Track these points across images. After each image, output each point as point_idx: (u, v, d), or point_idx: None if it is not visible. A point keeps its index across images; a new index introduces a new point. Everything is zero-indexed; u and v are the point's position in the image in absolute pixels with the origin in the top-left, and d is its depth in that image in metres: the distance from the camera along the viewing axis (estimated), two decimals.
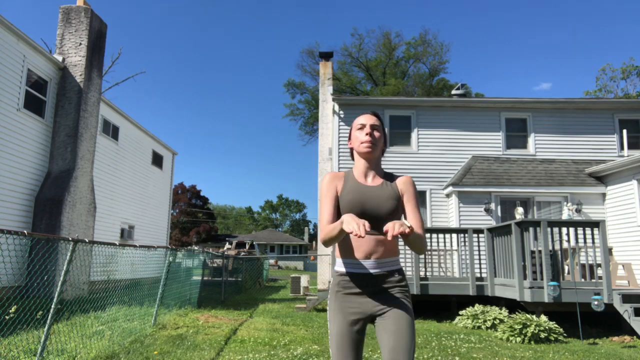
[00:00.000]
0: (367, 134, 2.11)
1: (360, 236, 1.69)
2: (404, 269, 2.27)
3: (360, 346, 2.03)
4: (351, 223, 1.76)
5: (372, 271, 2.03)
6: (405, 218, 2.11)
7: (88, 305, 7.29)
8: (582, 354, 5.91)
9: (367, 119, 2.16)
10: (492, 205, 11.65)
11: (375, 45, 35.71)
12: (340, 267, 2.10)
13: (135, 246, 6.96)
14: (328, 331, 2.08)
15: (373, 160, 2.16)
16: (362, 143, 2.12)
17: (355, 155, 2.21)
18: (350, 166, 12.93)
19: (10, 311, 4.78)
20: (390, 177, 2.18)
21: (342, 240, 2.07)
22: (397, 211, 2.08)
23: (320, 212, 2.16)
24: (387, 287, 2.03)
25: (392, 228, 1.74)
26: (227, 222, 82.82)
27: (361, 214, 2.02)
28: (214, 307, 10.43)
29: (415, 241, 1.97)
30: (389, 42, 34.82)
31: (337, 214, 2.09)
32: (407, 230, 1.74)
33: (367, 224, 1.73)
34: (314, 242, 51.49)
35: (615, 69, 29.42)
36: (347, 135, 13.43)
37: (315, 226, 63.12)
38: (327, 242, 2.02)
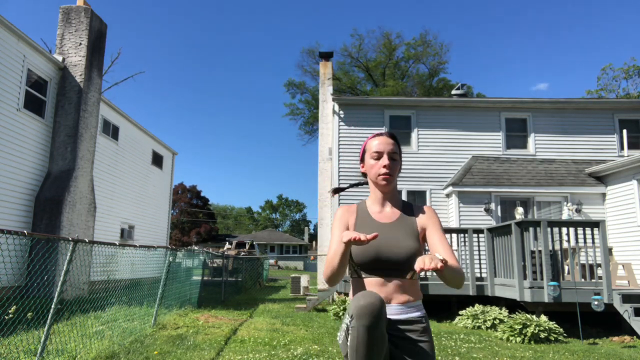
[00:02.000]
0: (384, 166, 1.90)
1: (360, 240, 1.55)
2: None
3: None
4: (350, 233, 1.60)
5: (394, 317, 1.81)
6: (434, 250, 1.89)
7: (88, 305, 7.29)
8: (582, 354, 5.91)
9: (384, 146, 1.93)
10: (492, 205, 11.65)
11: (375, 46, 35.74)
12: None
13: (135, 246, 6.96)
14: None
15: (390, 192, 1.97)
16: (379, 175, 1.92)
17: (370, 183, 2.01)
18: (349, 166, 12.94)
19: (10, 311, 4.78)
20: (409, 208, 1.98)
21: (358, 284, 1.88)
22: (417, 252, 1.85)
23: (329, 248, 1.93)
24: (413, 336, 1.82)
25: (422, 262, 1.54)
26: (227, 222, 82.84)
27: (375, 259, 1.82)
28: (214, 307, 10.43)
29: (452, 276, 1.73)
30: (389, 42, 34.82)
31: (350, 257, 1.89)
32: (440, 265, 1.53)
33: (368, 236, 1.59)
34: (314, 242, 51.48)
35: (617, 69, 29.42)
36: (348, 134, 13.40)
37: (316, 226, 63.11)
38: (330, 277, 1.80)
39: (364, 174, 2.05)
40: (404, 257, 1.82)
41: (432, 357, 1.83)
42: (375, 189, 1.99)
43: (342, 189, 2.44)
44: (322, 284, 13.92)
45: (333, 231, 1.96)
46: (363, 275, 1.87)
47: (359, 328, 1.59)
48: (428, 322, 1.89)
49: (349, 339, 1.65)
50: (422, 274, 9.49)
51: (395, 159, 1.94)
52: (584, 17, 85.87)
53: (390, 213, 1.95)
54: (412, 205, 2.01)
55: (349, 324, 1.66)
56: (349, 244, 1.64)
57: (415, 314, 1.85)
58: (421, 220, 1.93)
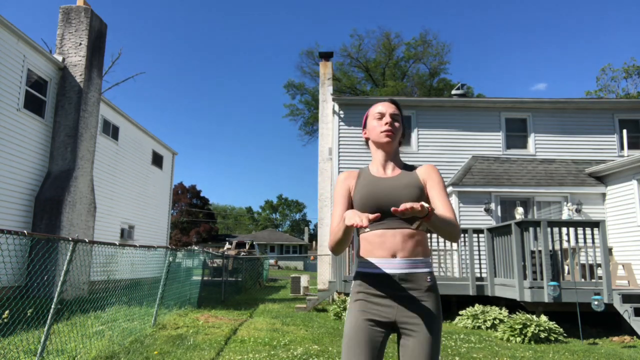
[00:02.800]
0: (386, 123, 1.93)
1: (361, 226, 1.52)
2: None
3: (378, 353, 1.75)
4: (352, 217, 1.59)
5: (398, 271, 1.77)
6: (432, 205, 1.88)
7: (88, 305, 7.29)
8: (582, 354, 5.91)
9: (386, 107, 1.97)
10: (492, 205, 11.65)
11: (375, 46, 35.74)
12: (360, 268, 1.87)
13: (135, 246, 6.96)
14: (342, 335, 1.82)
15: (392, 152, 1.97)
16: (381, 132, 1.93)
17: (372, 146, 2.02)
18: (350, 166, 12.93)
19: (3, 316, 4.76)
20: (410, 168, 1.98)
21: (364, 239, 1.86)
22: (419, 199, 1.82)
23: (332, 215, 1.95)
24: (416, 294, 1.77)
25: (404, 205, 1.52)
26: (227, 222, 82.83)
27: (376, 209, 1.79)
28: (214, 307, 10.43)
29: (442, 225, 1.70)
30: (388, 42, 34.82)
31: None
32: (420, 208, 1.50)
33: (370, 215, 1.56)
34: (314, 242, 51.49)
35: (616, 69, 29.43)
36: (348, 134, 13.42)
37: (316, 226, 63.14)
38: (335, 247, 1.81)
39: (367, 140, 2.05)
40: (404, 202, 1.76)
41: (437, 318, 1.78)
42: (376, 152, 1.99)
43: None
44: (322, 284, 13.92)
45: (335, 198, 1.96)
46: (367, 230, 1.85)
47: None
48: (434, 281, 1.83)
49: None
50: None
51: (397, 120, 1.96)
52: (583, 17, 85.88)
53: (391, 171, 1.95)
54: (414, 165, 2.01)
55: None
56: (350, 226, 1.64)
57: (420, 270, 1.80)
58: (423, 174, 1.91)
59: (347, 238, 1.76)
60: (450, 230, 1.73)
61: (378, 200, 1.82)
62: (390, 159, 1.97)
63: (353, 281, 1.90)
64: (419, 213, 1.54)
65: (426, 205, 1.56)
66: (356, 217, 1.58)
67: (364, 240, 1.86)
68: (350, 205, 1.92)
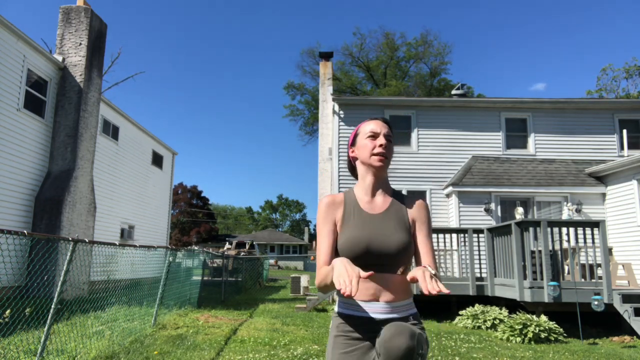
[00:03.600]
0: (380, 145, 1.78)
1: (349, 296, 1.39)
2: None
3: None
4: (341, 274, 1.46)
5: (380, 316, 1.67)
6: (415, 247, 1.80)
7: (88, 305, 7.29)
8: (582, 354, 5.91)
9: (379, 127, 1.82)
10: (492, 205, 11.65)
11: (376, 46, 35.75)
12: (341, 308, 1.75)
13: (135, 246, 6.96)
14: None
15: (382, 177, 1.84)
16: (373, 155, 1.79)
17: (360, 168, 1.87)
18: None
19: (4, 315, 4.77)
20: (400, 198, 1.84)
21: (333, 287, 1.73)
22: (408, 246, 1.73)
23: (317, 250, 1.80)
24: None
25: (423, 280, 1.46)
26: (227, 222, 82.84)
27: (365, 253, 1.69)
28: (214, 307, 10.43)
29: None
30: (390, 42, 34.84)
31: (337, 250, 1.77)
32: (446, 291, 1.43)
33: (361, 272, 1.46)
34: (313, 242, 51.51)
35: (617, 69, 29.42)
36: (348, 134, 13.44)
37: (316, 226, 63.28)
38: (323, 290, 1.71)
39: (353, 160, 1.91)
40: (394, 250, 1.70)
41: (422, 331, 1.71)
42: (365, 175, 1.84)
43: None
44: None
45: (319, 228, 1.81)
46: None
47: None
48: (419, 319, 1.75)
49: None
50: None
51: (390, 141, 1.83)
52: (581, 17, 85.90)
53: (380, 202, 1.81)
54: (404, 195, 1.87)
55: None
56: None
57: (404, 314, 1.71)
58: (412, 212, 1.80)
59: (334, 287, 1.62)
60: None
61: (368, 246, 1.70)
62: (379, 185, 1.83)
63: (333, 318, 1.80)
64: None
65: (432, 272, 1.51)
66: (345, 277, 1.44)
67: None
68: (336, 237, 1.78)
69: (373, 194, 1.82)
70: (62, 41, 12.16)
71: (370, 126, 1.84)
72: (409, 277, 1.47)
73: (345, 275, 1.45)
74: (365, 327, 1.69)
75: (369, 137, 1.82)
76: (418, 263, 1.79)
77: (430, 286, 1.44)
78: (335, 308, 1.81)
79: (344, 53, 35.26)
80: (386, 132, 1.82)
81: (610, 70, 29.70)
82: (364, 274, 1.46)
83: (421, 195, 12.58)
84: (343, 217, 1.79)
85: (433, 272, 1.53)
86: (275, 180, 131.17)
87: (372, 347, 1.66)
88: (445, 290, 1.44)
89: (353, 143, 1.92)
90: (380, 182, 1.84)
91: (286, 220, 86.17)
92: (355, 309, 1.71)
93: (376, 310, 1.69)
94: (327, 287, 1.67)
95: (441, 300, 9.58)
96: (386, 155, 1.79)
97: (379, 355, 1.52)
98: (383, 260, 1.69)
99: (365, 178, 1.84)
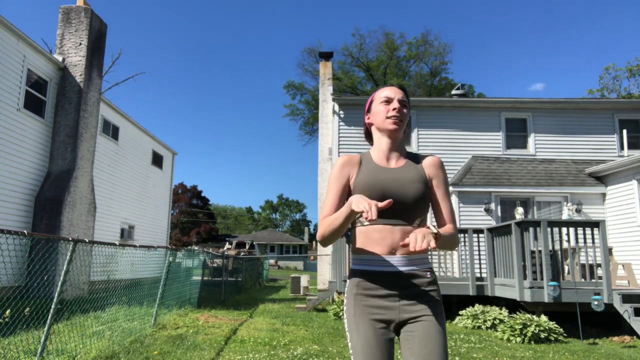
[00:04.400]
0: (394, 109, 1.79)
1: (370, 219, 1.43)
2: None
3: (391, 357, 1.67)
4: (360, 202, 1.48)
5: (399, 269, 1.68)
6: (433, 206, 1.81)
7: (88, 305, 7.29)
8: (582, 354, 5.91)
9: (394, 92, 1.82)
10: (492, 205, 11.65)
11: (376, 45, 35.72)
12: (358, 265, 1.74)
13: (135, 246, 6.96)
14: (348, 344, 1.72)
15: (397, 140, 1.83)
16: (387, 118, 1.79)
17: (375, 133, 1.87)
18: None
19: (5, 315, 4.77)
20: (415, 158, 1.85)
21: (361, 233, 1.74)
22: (425, 197, 1.73)
23: (323, 204, 1.79)
24: (417, 290, 1.69)
25: (414, 240, 1.47)
26: (227, 222, 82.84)
27: (381, 200, 1.66)
28: (214, 307, 10.43)
29: (445, 243, 1.66)
30: (390, 42, 34.83)
31: None
32: (433, 244, 1.47)
33: (378, 203, 1.47)
34: (314, 242, 51.51)
35: (619, 69, 29.40)
36: (348, 134, 13.39)
37: (316, 226, 63.14)
38: (328, 237, 1.70)
39: (369, 126, 1.91)
40: (411, 199, 1.69)
41: (440, 305, 1.71)
42: (380, 139, 1.84)
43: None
44: (322, 284, 13.92)
45: (331, 184, 1.80)
46: (366, 223, 1.73)
47: None
48: (435, 276, 1.76)
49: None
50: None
51: (405, 106, 1.83)
52: (580, 17, 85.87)
53: (395, 162, 1.81)
54: (420, 155, 1.87)
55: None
56: (354, 212, 1.55)
57: (420, 266, 1.71)
58: (429, 169, 1.80)
59: (344, 228, 1.65)
60: (451, 244, 1.70)
61: (383, 192, 1.69)
62: (394, 148, 1.83)
63: (349, 280, 1.78)
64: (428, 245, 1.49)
65: (436, 233, 1.52)
66: (365, 203, 1.47)
67: (361, 234, 1.74)
68: (347, 195, 1.78)
69: (388, 157, 1.82)
70: (62, 41, 12.16)
71: (385, 92, 1.84)
72: (401, 243, 1.48)
73: (364, 202, 1.47)
74: (384, 281, 1.68)
75: (384, 102, 1.82)
76: (438, 222, 1.81)
77: (417, 245, 1.46)
78: (352, 265, 1.79)
79: (343, 53, 35.27)
80: (400, 97, 1.82)
81: (613, 70, 29.68)
82: (381, 204, 1.47)
83: None
84: (358, 172, 1.79)
85: (435, 230, 1.53)
86: (275, 180, 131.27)
87: (391, 309, 1.67)
88: (432, 244, 1.47)
89: (369, 110, 1.91)
90: (395, 146, 1.84)
91: (286, 220, 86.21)
92: (372, 263, 1.70)
93: (394, 263, 1.68)
94: (334, 232, 1.66)
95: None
96: (400, 119, 1.79)
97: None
98: (400, 210, 1.68)
99: (381, 142, 1.84)
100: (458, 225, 11.41)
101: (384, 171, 1.77)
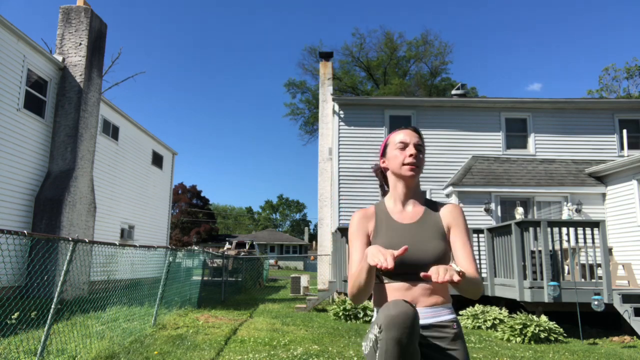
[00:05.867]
0: (411, 155, 1.77)
1: (387, 268, 1.41)
2: None
3: None
4: (376, 255, 1.46)
5: (421, 322, 1.62)
6: (454, 254, 1.77)
7: (88, 305, 7.28)
8: (582, 354, 5.91)
9: (410, 137, 1.81)
10: (492, 205, 11.65)
11: (377, 45, 35.74)
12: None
13: (135, 246, 6.96)
14: None
15: (414, 186, 1.83)
16: (404, 165, 1.78)
17: (391, 178, 1.86)
18: (350, 166, 12.93)
19: (13, 317, 4.78)
20: (433, 206, 1.83)
21: (378, 291, 1.73)
22: (444, 254, 1.71)
23: (349, 262, 1.78)
24: (442, 344, 1.64)
25: (436, 273, 1.42)
26: (227, 222, 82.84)
27: (400, 263, 1.65)
28: (214, 307, 10.43)
29: (469, 287, 1.61)
30: (390, 42, 34.84)
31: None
32: (456, 278, 1.42)
33: (394, 252, 1.46)
34: (314, 242, 51.49)
35: (618, 69, 29.43)
36: (348, 134, 13.38)
37: (316, 226, 63.11)
38: (356, 294, 1.65)
39: (385, 170, 1.91)
40: (430, 260, 1.67)
41: None
42: (396, 185, 1.84)
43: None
44: (322, 284, 13.92)
45: (352, 242, 1.80)
46: (386, 281, 1.73)
47: (388, 341, 1.44)
48: (460, 328, 1.71)
49: (377, 353, 1.50)
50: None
51: (421, 151, 1.82)
52: (579, 17, 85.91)
53: (412, 212, 1.80)
54: (437, 202, 1.86)
55: (377, 335, 1.50)
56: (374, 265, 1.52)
57: (445, 318, 1.68)
58: (446, 219, 1.78)
59: (369, 281, 1.61)
60: (474, 290, 1.65)
61: (403, 255, 1.61)
62: (411, 195, 1.82)
63: (372, 325, 1.76)
64: (453, 283, 1.45)
65: (459, 272, 1.47)
66: (380, 256, 1.45)
67: (382, 291, 1.74)
68: None
69: (404, 204, 1.82)
70: (62, 41, 12.16)
71: (400, 136, 1.83)
72: (422, 274, 1.45)
73: (379, 254, 1.46)
74: None
75: (399, 147, 1.81)
76: None
77: (440, 277, 1.41)
78: (374, 316, 1.77)
79: (344, 53, 35.29)
80: (416, 142, 1.81)
81: (613, 70, 29.71)
82: (397, 252, 1.46)
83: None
84: (375, 229, 1.79)
85: (457, 268, 1.49)
86: (275, 180, 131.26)
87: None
88: (455, 278, 1.42)
89: (383, 154, 1.90)
90: (412, 192, 1.83)
91: (286, 220, 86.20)
92: None
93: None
94: (362, 285, 1.62)
95: None
96: (417, 165, 1.79)
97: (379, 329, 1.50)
98: (419, 269, 1.63)
99: (397, 188, 1.84)
100: None
101: (400, 229, 1.75)
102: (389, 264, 1.42)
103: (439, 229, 1.75)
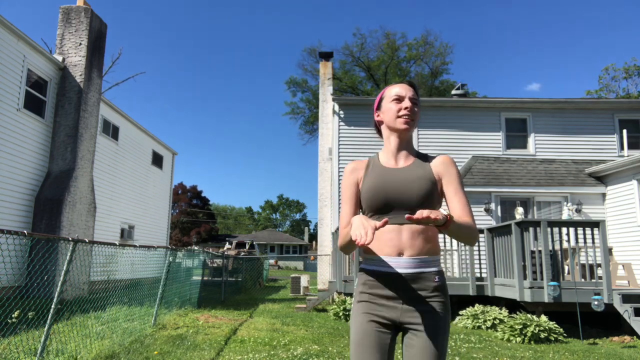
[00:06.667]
0: (406, 108, 1.77)
1: (363, 244, 1.42)
2: None
3: (387, 356, 1.66)
4: (357, 227, 1.48)
5: (404, 271, 1.67)
6: (447, 202, 1.76)
7: (88, 305, 7.29)
8: (582, 354, 5.91)
9: (405, 90, 1.81)
10: (492, 205, 11.65)
11: (377, 46, 35.73)
12: (366, 265, 1.77)
13: (135, 246, 6.95)
14: (349, 337, 1.74)
15: (406, 139, 1.84)
16: (399, 117, 1.78)
17: (385, 131, 1.87)
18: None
19: (13, 316, 4.78)
20: (424, 158, 1.83)
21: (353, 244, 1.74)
22: (431, 195, 1.70)
23: (340, 213, 1.83)
24: (423, 294, 1.67)
25: (420, 213, 1.42)
26: (227, 222, 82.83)
27: (385, 202, 1.69)
28: (214, 307, 10.43)
29: (461, 231, 1.60)
30: (391, 42, 34.84)
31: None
32: (440, 216, 1.43)
33: (377, 224, 1.47)
34: (314, 242, 51.49)
35: (617, 69, 29.44)
36: (348, 134, 13.36)
37: (316, 226, 63.13)
38: (344, 248, 1.73)
39: (379, 123, 1.91)
40: (415, 198, 1.68)
41: (443, 319, 1.67)
42: (389, 138, 1.85)
43: None
44: (322, 284, 13.92)
45: (343, 192, 1.85)
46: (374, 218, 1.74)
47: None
48: (443, 280, 1.71)
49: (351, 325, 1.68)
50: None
51: (416, 105, 1.81)
52: (578, 17, 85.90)
53: (402, 161, 1.81)
54: (429, 155, 1.85)
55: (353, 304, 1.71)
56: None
57: (428, 269, 1.68)
58: (437, 168, 1.77)
59: (354, 244, 1.63)
60: (468, 234, 1.64)
61: (386, 193, 1.70)
62: (403, 147, 1.83)
63: (357, 279, 1.82)
64: (436, 222, 1.44)
65: (444, 213, 1.48)
66: (361, 230, 1.46)
67: None
68: (360, 199, 1.81)
69: (397, 157, 1.83)
70: (62, 41, 12.16)
71: (396, 89, 1.83)
72: (407, 216, 1.44)
73: (361, 228, 1.47)
74: (390, 282, 1.68)
75: (394, 100, 1.81)
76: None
77: (424, 215, 1.41)
78: (361, 264, 1.81)
79: (344, 53, 35.27)
80: (411, 95, 1.81)
81: (612, 70, 29.71)
82: (379, 223, 1.47)
83: None
84: (365, 175, 1.81)
85: (446, 212, 1.50)
86: (275, 180, 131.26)
87: (394, 308, 1.68)
88: (440, 216, 1.43)
89: (378, 107, 1.90)
90: (404, 145, 1.84)
91: (286, 220, 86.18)
92: (379, 264, 1.70)
93: (400, 265, 1.67)
94: (348, 245, 1.69)
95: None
96: (412, 118, 1.79)
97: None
98: (407, 210, 1.67)
99: (390, 141, 1.84)
100: None
101: (389, 172, 1.77)
102: (368, 239, 1.42)
103: (427, 173, 1.75)
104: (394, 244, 1.68)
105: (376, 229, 1.47)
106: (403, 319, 1.67)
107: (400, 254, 1.68)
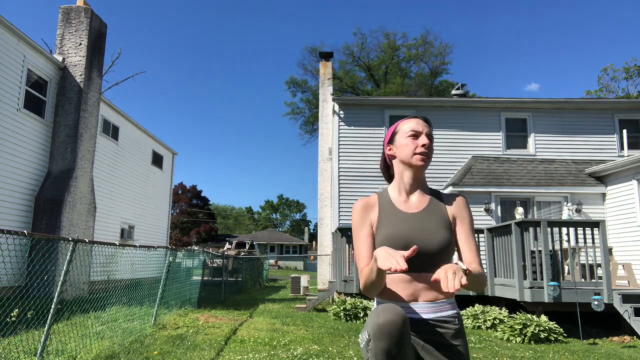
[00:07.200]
0: (423, 145, 1.74)
1: (400, 271, 1.38)
2: None
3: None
4: (387, 259, 1.43)
5: (422, 316, 1.63)
6: (457, 246, 1.74)
7: (88, 305, 7.28)
8: (582, 354, 5.91)
9: (421, 126, 1.77)
10: (492, 205, 11.65)
11: (377, 46, 35.74)
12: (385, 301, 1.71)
13: (135, 246, 6.95)
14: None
15: (421, 176, 1.80)
16: (415, 154, 1.74)
17: (398, 166, 1.82)
18: (349, 166, 12.92)
19: (12, 314, 4.78)
20: (438, 196, 1.80)
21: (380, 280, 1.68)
22: (449, 245, 1.68)
23: (356, 254, 1.76)
24: (441, 342, 1.62)
25: (444, 278, 1.39)
26: (227, 222, 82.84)
27: (404, 250, 1.62)
28: (214, 307, 10.43)
29: (475, 283, 1.59)
30: (391, 42, 34.84)
31: None
32: (464, 281, 1.39)
33: (405, 253, 1.43)
34: (314, 242, 51.49)
35: (617, 69, 29.45)
36: (348, 134, 13.36)
37: (316, 226, 63.13)
38: (369, 290, 1.65)
39: (390, 158, 1.86)
40: (435, 249, 1.65)
41: None
42: (403, 174, 1.79)
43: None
44: (322, 284, 13.93)
45: (356, 233, 1.77)
46: (388, 272, 1.68)
47: (377, 351, 1.44)
48: (462, 323, 1.69)
49: (367, 358, 1.53)
50: None
51: (432, 141, 1.78)
52: (578, 17, 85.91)
53: (417, 201, 1.76)
54: (442, 193, 1.83)
55: (368, 340, 1.50)
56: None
57: (446, 313, 1.66)
58: (452, 209, 1.75)
59: (382, 280, 1.60)
60: (478, 286, 1.62)
61: (406, 244, 1.63)
62: (417, 184, 1.79)
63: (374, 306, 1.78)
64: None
65: (465, 269, 1.47)
66: (391, 259, 1.42)
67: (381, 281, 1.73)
68: (374, 239, 1.75)
69: (409, 194, 1.78)
70: (62, 41, 12.16)
71: (411, 124, 1.79)
72: (432, 278, 1.42)
73: (390, 258, 1.43)
74: (410, 325, 1.62)
75: (410, 136, 1.77)
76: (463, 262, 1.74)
77: (450, 284, 1.38)
78: (374, 305, 1.76)
79: (344, 53, 35.30)
80: (428, 132, 1.78)
81: (612, 70, 29.72)
82: (407, 253, 1.44)
83: None
84: (379, 219, 1.75)
85: (464, 267, 1.48)
86: (275, 180, 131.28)
87: (417, 344, 1.63)
88: (464, 281, 1.39)
89: (391, 141, 1.85)
90: (418, 182, 1.80)
91: (286, 220, 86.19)
92: (399, 304, 1.65)
93: (417, 310, 1.65)
94: (374, 283, 1.61)
95: None
96: (428, 155, 1.76)
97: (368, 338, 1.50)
98: (423, 259, 1.63)
99: (404, 177, 1.79)
100: None
101: (408, 219, 1.71)
102: (402, 265, 1.39)
103: (444, 219, 1.72)
104: (408, 291, 1.65)
105: (406, 258, 1.43)
106: (424, 353, 1.63)
107: (415, 300, 1.65)
